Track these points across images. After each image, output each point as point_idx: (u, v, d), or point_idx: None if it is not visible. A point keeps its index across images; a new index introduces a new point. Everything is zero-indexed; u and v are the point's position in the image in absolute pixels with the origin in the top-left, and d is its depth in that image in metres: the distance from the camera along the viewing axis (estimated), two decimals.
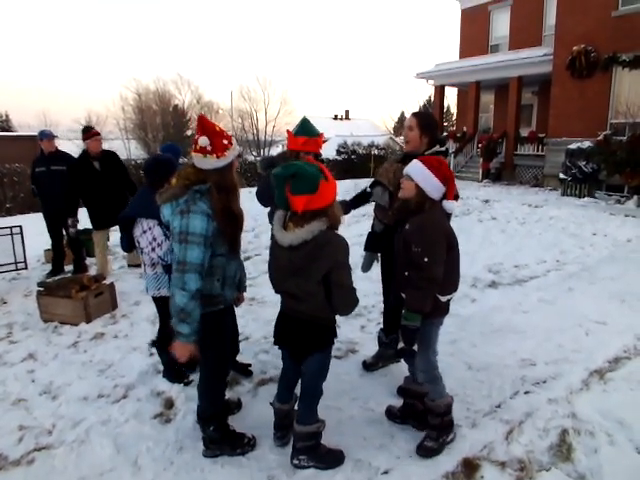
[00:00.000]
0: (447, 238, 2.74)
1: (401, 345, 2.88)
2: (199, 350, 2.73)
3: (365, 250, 3.92)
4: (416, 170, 2.78)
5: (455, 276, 2.89)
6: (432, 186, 2.73)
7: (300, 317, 2.64)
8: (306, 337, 2.67)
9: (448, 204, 2.80)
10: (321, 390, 2.84)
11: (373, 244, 3.83)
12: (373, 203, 3.82)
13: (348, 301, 2.59)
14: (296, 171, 2.40)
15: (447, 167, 2.81)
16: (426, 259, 2.65)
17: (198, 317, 2.59)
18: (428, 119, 3.59)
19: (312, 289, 2.52)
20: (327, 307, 2.58)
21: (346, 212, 3.81)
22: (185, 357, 2.61)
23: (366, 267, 3.94)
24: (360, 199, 3.93)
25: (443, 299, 2.82)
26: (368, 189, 3.84)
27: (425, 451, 2.92)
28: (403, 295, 2.87)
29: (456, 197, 3.15)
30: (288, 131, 3.78)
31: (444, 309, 2.90)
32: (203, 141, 2.56)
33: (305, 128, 3.72)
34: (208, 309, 2.70)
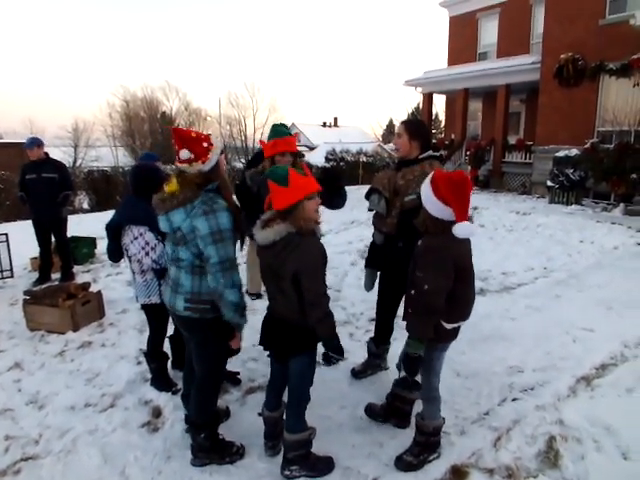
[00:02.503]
0: (455, 267, 2.53)
1: (403, 374, 2.77)
2: (201, 354, 2.83)
3: (365, 267, 3.83)
4: (423, 186, 2.60)
5: (463, 305, 2.72)
6: (432, 205, 2.52)
7: (280, 318, 2.69)
8: (285, 339, 2.69)
9: (456, 228, 2.44)
10: (308, 396, 2.83)
11: (373, 260, 3.73)
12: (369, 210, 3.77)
13: (317, 307, 2.54)
14: (267, 174, 2.59)
15: (448, 184, 2.45)
16: (426, 287, 2.52)
17: None
18: (416, 125, 3.60)
19: (284, 290, 2.57)
20: (300, 311, 2.58)
21: (340, 194, 3.67)
22: (240, 344, 2.85)
23: (369, 286, 3.81)
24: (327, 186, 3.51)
25: (448, 327, 2.69)
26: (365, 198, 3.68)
27: (403, 465, 2.89)
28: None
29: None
30: (261, 141, 3.78)
31: (449, 336, 2.77)
32: (185, 154, 2.59)
33: (274, 131, 3.72)
34: (218, 313, 2.72)
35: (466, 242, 2.63)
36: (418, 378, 2.83)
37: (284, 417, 2.91)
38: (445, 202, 2.45)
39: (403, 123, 3.55)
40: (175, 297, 2.77)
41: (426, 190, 2.54)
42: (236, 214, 2.70)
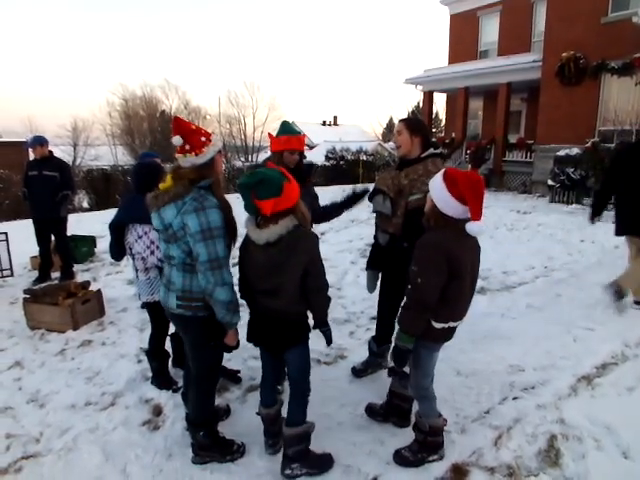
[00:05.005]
0: (450, 263, 2.49)
1: (391, 364, 2.80)
2: (196, 353, 2.81)
3: (367, 269, 3.78)
4: (433, 183, 2.58)
5: (456, 306, 2.66)
6: (445, 203, 2.49)
7: (274, 314, 2.69)
8: (281, 332, 2.72)
9: (470, 226, 2.47)
10: (309, 387, 2.87)
11: (376, 261, 3.69)
12: (363, 208, 3.78)
13: (323, 295, 2.70)
14: (262, 177, 2.47)
15: (467, 182, 2.44)
16: (419, 280, 2.51)
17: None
18: (416, 121, 3.59)
19: (292, 283, 2.58)
20: (301, 301, 2.66)
21: (338, 214, 3.80)
22: (236, 341, 2.82)
23: (371, 287, 3.78)
24: (350, 200, 3.79)
25: (437, 326, 2.63)
26: (367, 198, 3.69)
27: (400, 458, 2.90)
28: None
29: None
30: (270, 134, 3.76)
31: (439, 335, 2.71)
32: (176, 140, 2.58)
33: (286, 128, 3.69)
34: (211, 311, 2.70)
35: (471, 241, 2.61)
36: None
37: (283, 413, 2.92)
38: (462, 200, 2.45)
39: (402, 121, 3.52)
40: (168, 295, 2.78)
41: (438, 187, 2.52)
42: (227, 212, 2.67)
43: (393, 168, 3.59)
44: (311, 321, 2.78)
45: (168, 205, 2.62)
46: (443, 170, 2.59)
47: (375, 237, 3.66)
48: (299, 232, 2.55)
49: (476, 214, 2.45)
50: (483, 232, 2.52)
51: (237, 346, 2.90)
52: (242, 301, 2.79)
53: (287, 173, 2.57)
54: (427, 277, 2.51)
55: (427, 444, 2.91)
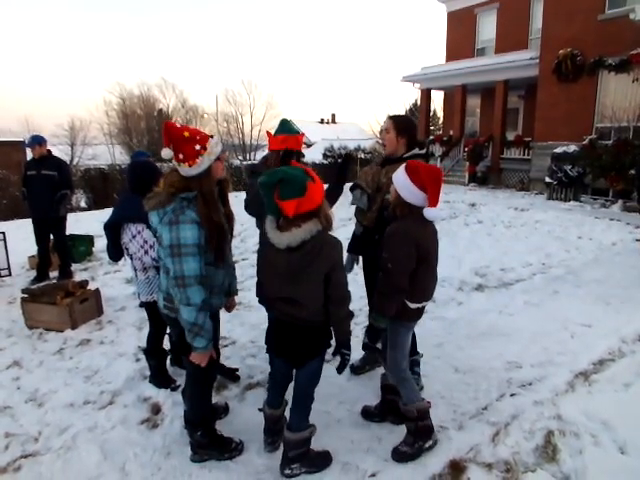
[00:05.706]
0: (418, 249, 2.68)
1: (365, 340, 2.92)
2: (186, 355, 2.75)
3: (347, 252, 3.95)
4: (396, 174, 2.75)
5: (425, 286, 2.87)
6: (408, 191, 2.67)
7: (298, 323, 2.58)
8: (305, 344, 2.63)
9: (427, 212, 2.68)
10: (313, 396, 2.84)
11: (353, 246, 3.90)
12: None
13: (346, 303, 2.58)
14: (282, 177, 2.35)
15: (428, 172, 2.66)
16: (390, 266, 2.69)
17: (211, 326, 2.60)
18: (404, 121, 3.60)
19: (313, 291, 2.48)
20: (324, 311, 2.55)
21: (340, 191, 3.78)
22: (206, 362, 2.67)
23: (348, 269, 3.95)
24: (342, 170, 3.70)
25: (412, 306, 2.82)
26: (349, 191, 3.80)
27: (399, 455, 2.92)
28: None
29: None
30: (268, 132, 3.76)
31: (413, 315, 2.90)
32: (166, 154, 2.49)
33: (284, 127, 3.69)
34: None
35: (430, 226, 2.82)
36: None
37: (286, 414, 2.92)
38: (422, 188, 2.64)
39: (391, 118, 3.53)
40: (158, 294, 2.84)
41: (402, 178, 2.70)
42: (211, 229, 2.55)
43: (377, 164, 3.63)
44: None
45: (152, 211, 2.61)
46: (405, 163, 2.77)
47: (355, 225, 3.89)
48: (323, 237, 2.44)
49: (433, 201, 2.67)
50: (439, 217, 2.73)
51: (216, 360, 2.86)
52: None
53: (312, 172, 2.45)
54: (397, 262, 2.69)
55: (419, 430, 2.95)
